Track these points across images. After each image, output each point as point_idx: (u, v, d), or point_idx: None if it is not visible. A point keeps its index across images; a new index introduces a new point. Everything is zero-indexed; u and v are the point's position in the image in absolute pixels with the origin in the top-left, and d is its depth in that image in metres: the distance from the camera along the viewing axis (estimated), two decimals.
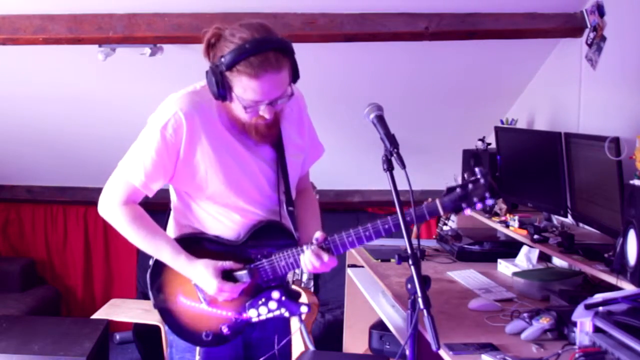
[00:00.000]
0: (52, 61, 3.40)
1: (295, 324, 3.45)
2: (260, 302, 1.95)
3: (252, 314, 1.96)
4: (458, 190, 1.77)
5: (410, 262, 1.63)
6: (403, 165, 1.68)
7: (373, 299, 3.01)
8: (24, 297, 4.31)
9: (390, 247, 3.37)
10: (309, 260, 1.85)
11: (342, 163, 3.97)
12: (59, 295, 4.68)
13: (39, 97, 3.70)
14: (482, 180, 1.74)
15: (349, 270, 3.54)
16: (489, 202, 1.76)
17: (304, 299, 1.98)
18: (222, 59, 1.72)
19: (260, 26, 1.75)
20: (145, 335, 4.02)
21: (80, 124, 3.95)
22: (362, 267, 3.31)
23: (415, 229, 3.31)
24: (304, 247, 1.87)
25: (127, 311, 3.98)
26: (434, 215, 1.81)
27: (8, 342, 3.30)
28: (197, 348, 1.98)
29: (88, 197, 4.66)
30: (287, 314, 1.97)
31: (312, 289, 4.60)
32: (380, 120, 1.78)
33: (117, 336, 4.42)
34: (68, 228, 4.75)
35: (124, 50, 3.20)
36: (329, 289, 4.67)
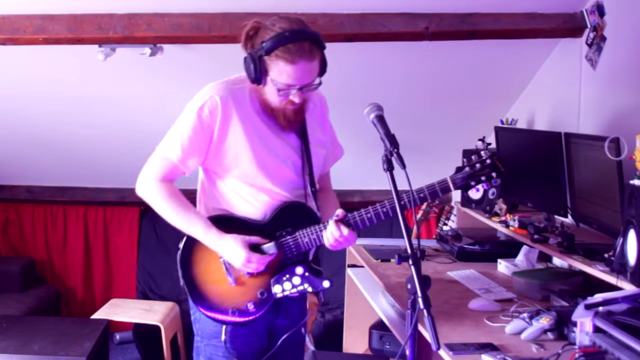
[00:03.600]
0: (52, 61, 3.40)
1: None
2: (284, 278, 2.03)
3: (276, 290, 2.04)
4: (467, 169, 1.96)
5: (410, 262, 1.64)
6: (403, 165, 1.71)
7: (373, 299, 3.01)
8: (24, 297, 4.31)
9: (390, 247, 3.37)
10: (330, 233, 1.95)
11: (342, 163, 3.96)
12: (59, 295, 4.68)
13: (39, 97, 3.70)
14: (488, 161, 1.95)
15: (349, 270, 3.54)
16: (495, 181, 1.95)
17: (325, 283, 2.07)
18: (263, 44, 1.87)
19: (298, 19, 1.93)
20: (145, 335, 4.01)
21: (81, 124, 3.95)
22: (362, 267, 3.31)
23: (415, 228, 3.32)
24: (328, 221, 1.97)
25: (127, 311, 3.99)
26: (446, 192, 1.96)
27: (8, 342, 3.30)
28: (223, 329, 2.04)
29: (88, 197, 4.68)
30: (310, 289, 2.05)
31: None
32: (381, 120, 1.82)
33: (117, 336, 4.42)
34: (68, 228, 4.75)
35: (124, 50, 3.20)
36: (329, 289, 4.67)
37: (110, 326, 3.72)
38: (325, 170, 2.26)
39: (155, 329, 3.81)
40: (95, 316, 3.85)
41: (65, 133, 4.04)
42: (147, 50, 3.16)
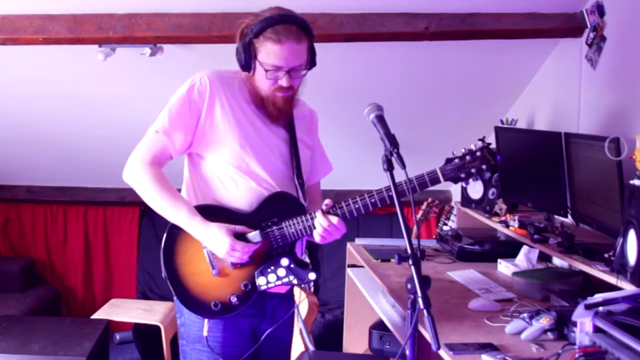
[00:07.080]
0: (52, 61, 3.40)
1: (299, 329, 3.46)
2: (269, 270, 1.98)
3: (260, 282, 1.98)
4: (456, 160, 1.93)
5: (410, 262, 1.64)
6: (403, 165, 1.71)
7: (373, 299, 3.01)
8: (24, 297, 4.31)
9: (390, 247, 3.37)
10: (319, 224, 1.93)
11: (342, 163, 3.97)
12: (59, 295, 4.68)
13: (39, 97, 3.70)
14: (478, 153, 1.92)
15: (349, 270, 3.54)
16: (486, 174, 1.92)
17: (311, 275, 2.00)
18: (252, 28, 1.92)
19: (288, 9, 1.99)
20: (145, 335, 4.02)
21: (80, 124, 3.95)
22: (362, 267, 3.31)
23: (415, 228, 3.32)
24: (316, 211, 1.94)
25: (127, 311, 3.99)
26: (435, 183, 1.92)
27: (8, 342, 3.30)
28: (205, 323, 1.98)
29: (88, 197, 4.68)
30: (295, 281, 1.99)
31: (312, 289, 4.61)
32: (381, 120, 1.82)
33: (117, 336, 4.42)
34: (68, 228, 4.75)
35: (124, 50, 3.20)
36: (329, 289, 4.67)
37: (110, 326, 3.71)
38: (313, 182, 2.24)
39: (155, 329, 3.81)
40: (95, 316, 3.85)
41: (65, 133, 4.04)
42: (147, 50, 3.17)
